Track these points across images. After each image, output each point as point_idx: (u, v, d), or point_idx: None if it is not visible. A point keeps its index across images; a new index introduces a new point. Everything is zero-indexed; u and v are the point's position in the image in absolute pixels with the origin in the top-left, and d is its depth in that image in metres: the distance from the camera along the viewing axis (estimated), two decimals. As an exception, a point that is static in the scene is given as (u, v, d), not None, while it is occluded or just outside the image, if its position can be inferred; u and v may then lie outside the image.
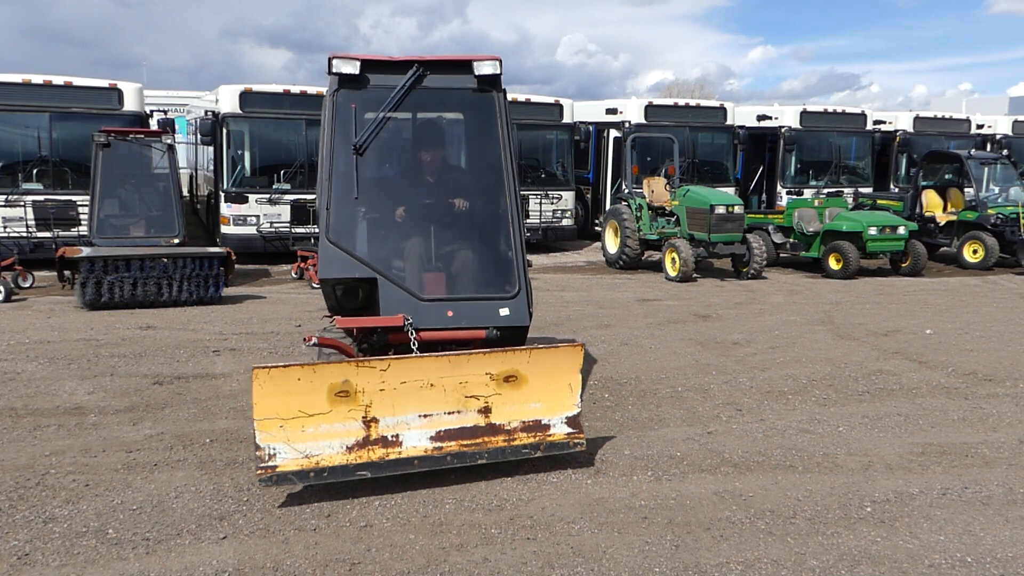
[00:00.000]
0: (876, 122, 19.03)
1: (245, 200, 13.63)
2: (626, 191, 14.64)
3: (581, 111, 17.66)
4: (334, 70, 5.42)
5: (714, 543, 4.08)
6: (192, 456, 5.10)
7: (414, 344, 5.02)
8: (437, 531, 4.11)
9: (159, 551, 3.89)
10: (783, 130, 17.63)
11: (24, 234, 12.39)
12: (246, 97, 13.58)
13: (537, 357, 4.72)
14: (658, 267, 13.79)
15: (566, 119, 16.72)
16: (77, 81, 12.92)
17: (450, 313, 5.25)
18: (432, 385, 4.55)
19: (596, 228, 17.39)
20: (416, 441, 4.54)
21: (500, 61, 5.55)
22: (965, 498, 4.70)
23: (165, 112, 15.01)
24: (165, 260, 9.93)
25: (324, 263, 5.27)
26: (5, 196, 12.41)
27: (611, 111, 17.55)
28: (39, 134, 12.76)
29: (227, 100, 13.55)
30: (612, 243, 14.64)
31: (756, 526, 4.28)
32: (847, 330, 9.38)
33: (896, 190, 18.50)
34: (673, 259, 12.97)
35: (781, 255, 14.85)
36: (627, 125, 16.58)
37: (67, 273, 10.28)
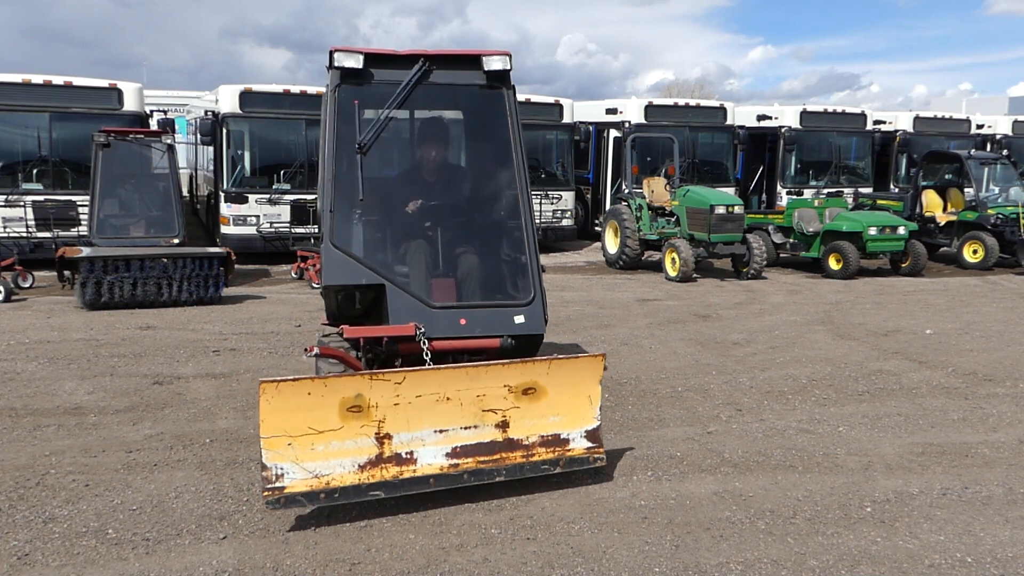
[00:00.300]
0: (876, 122, 19.03)
1: (245, 200, 13.63)
2: (626, 191, 14.64)
3: (581, 111, 17.67)
4: (336, 64, 5.11)
5: (714, 543, 4.08)
6: (192, 456, 5.10)
7: (427, 354, 4.72)
8: (437, 531, 4.11)
9: (159, 551, 3.89)
10: (783, 130, 17.62)
11: (24, 234, 12.39)
12: (246, 97, 13.58)
13: (557, 368, 4.52)
14: (658, 267, 13.79)
15: (566, 119, 16.73)
16: (77, 81, 12.92)
17: (463, 321, 4.96)
18: (448, 399, 4.33)
19: (596, 228, 17.39)
20: (431, 458, 4.33)
21: (510, 56, 5.32)
22: (965, 498, 4.70)
23: (165, 112, 15.03)
24: (165, 260, 9.93)
25: (328, 269, 4.96)
26: (5, 196, 12.41)
27: (611, 111, 17.55)
28: (39, 134, 12.76)
29: (227, 100, 13.55)
30: (612, 243, 14.64)
31: (756, 526, 4.27)
32: (847, 330, 9.38)
33: (896, 190, 18.49)
34: (673, 259, 12.97)
35: (781, 255, 14.85)
36: (627, 125, 16.58)
37: (67, 273, 10.28)
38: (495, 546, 4.00)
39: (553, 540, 4.07)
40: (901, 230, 13.72)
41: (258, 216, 13.68)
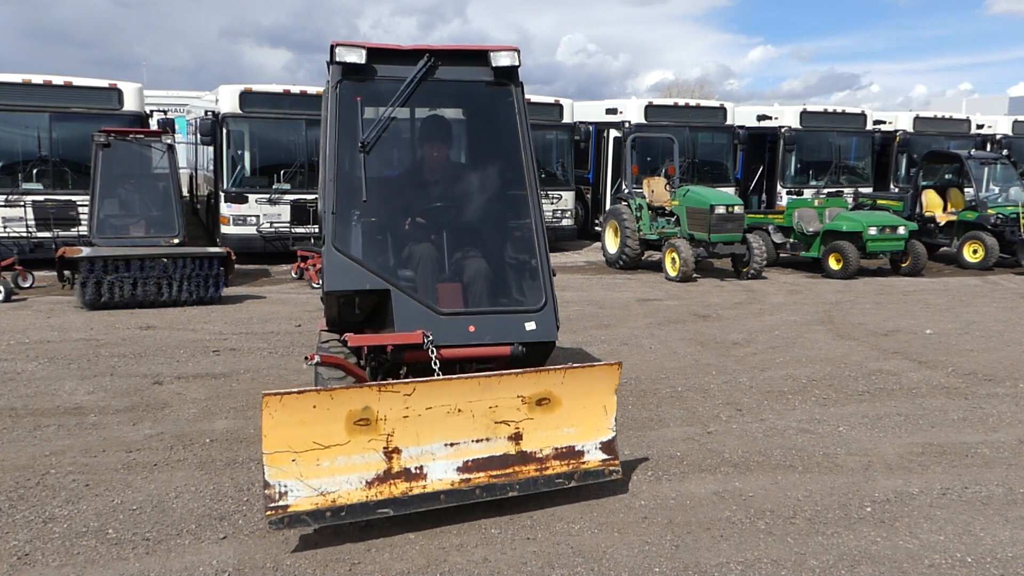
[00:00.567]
0: (876, 122, 19.03)
1: (245, 200, 13.62)
2: (626, 191, 14.64)
3: (581, 111, 17.66)
4: (337, 59, 4.85)
5: (714, 543, 4.08)
6: (192, 456, 5.10)
7: (435, 363, 4.49)
8: (437, 531, 4.11)
9: (159, 551, 3.89)
10: (783, 130, 17.62)
11: (24, 234, 12.39)
12: (246, 97, 13.58)
13: (571, 377, 4.35)
14: (658, 267, 13.78)
15: (566, 119, 16.73)
16: (77, 81, 12.92)
17: (472, 328, 4.72)
18: (460, 411, 4.15)
19: (596, 228, 17.39)
20: (442, 473, 4.16)
21: (518, 52, 5.09)
22: (965, 498, 4.70)
23: (165, 112, 15.01)
24: (165, 260, 9.93)
25: (331, 274, 4.71)
26: (5, 196, 12.41)
27: (611, 111, 17.55)
28: (39, 134, 12.76)
29: (227, 100, 13.55)
30: (612, 243, 14.64)
31: (756, 526, 4.27)
32: (847, 330, 9.38)
33: (896, 190, 18.49)
34: (673, 259, 12.97)
35: (781, 255, 14.85)
36: (627, 125, 16.58)
37: (67, 273, 10.27)
38: (495, 546, 4.00)
39: (553, 540, 4.07)
40: (901, 230, 13.72)
41: (258, 216, 13.68)
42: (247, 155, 14.01)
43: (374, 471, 4.04)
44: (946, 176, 17.35)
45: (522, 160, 5.18)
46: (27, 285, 11.16)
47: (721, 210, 12.87)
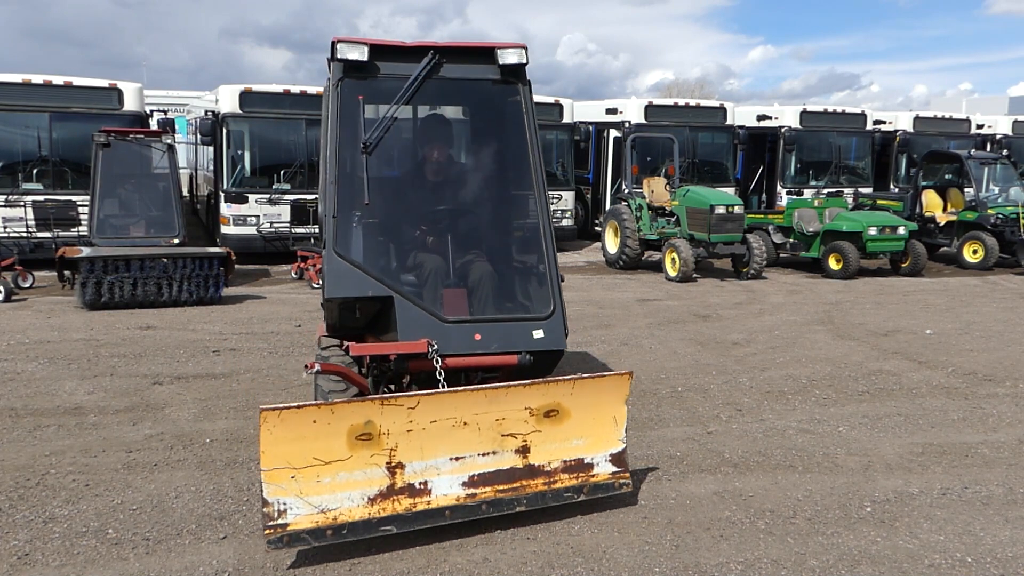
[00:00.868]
0: (876, 122, 19.03)
1: (245, 200, 13.62)
2: (626, 191, 14.64)
3: (581, 111, 17.66)
4: (339, 56, 4.67)
5: (714, 543, 4.08)
6: (192, 456, 5.10)
7: (440, 373, 4.36)
8: (437, 531, 4.11)
9: (159, 551, 3.89)
10: (783, 130, 17.62)
11: (24, 234, 12.39)
12: (246, 97, 13.58)
13: (581, 388, 4.23)
14: (658, 267, 13.78)
15: (566, 119, 16.72)
16: (77, 81, 12.92)
17: (478, 336, 4.56)
18: (465, 423, 4.03)
19: (596, 228, 17.38)
20: (447, 488, 4.04)
21: (526, 49, 4.92)
22: (965, 498, 4.70)
23: (165, 112, 15.03)
24: (165, 260, 9.93)
25: (332, 280, 4.54)
26: (5, 196, 12.41)
27: (611, 111, 17.55)
28: (39, 134, 12.76)
29: (227, 100, 13.55)
30: (612, 243, 14.64)
31: (756, 526, 4.27)
32: (847, 330, 9.38)
33: (896, 190, 18.49)
34: (673, 259, 12.97)
35: (781, 255, 14.85)
36: (627, 125, 16.58)
37: (67, 273, 10.28)
38: (495, 546, 4.00)
39: (553, 540, 4.07)
40: (901, 230, 13.72)
41: (258, 216, 13.68)
42: (247, 155, 14.01)
43: (376, 487, 3.92)
44: (946, 176, 17.34)
45: (530, 161, 5.01)
46: (27, 285, 11.16)
47: (721, 210, 12.87)
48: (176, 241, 10.71)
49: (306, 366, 4.35)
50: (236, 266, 10.90)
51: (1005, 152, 16.92)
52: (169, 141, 11.26)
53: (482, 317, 4.71)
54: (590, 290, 12.09)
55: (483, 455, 4.12)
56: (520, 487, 4.18)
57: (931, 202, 15.97)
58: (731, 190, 16.72)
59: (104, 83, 13.09)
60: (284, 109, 13.79)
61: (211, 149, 14.28)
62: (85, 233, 11.03)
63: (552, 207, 17.09)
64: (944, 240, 15.59)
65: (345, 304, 4.66)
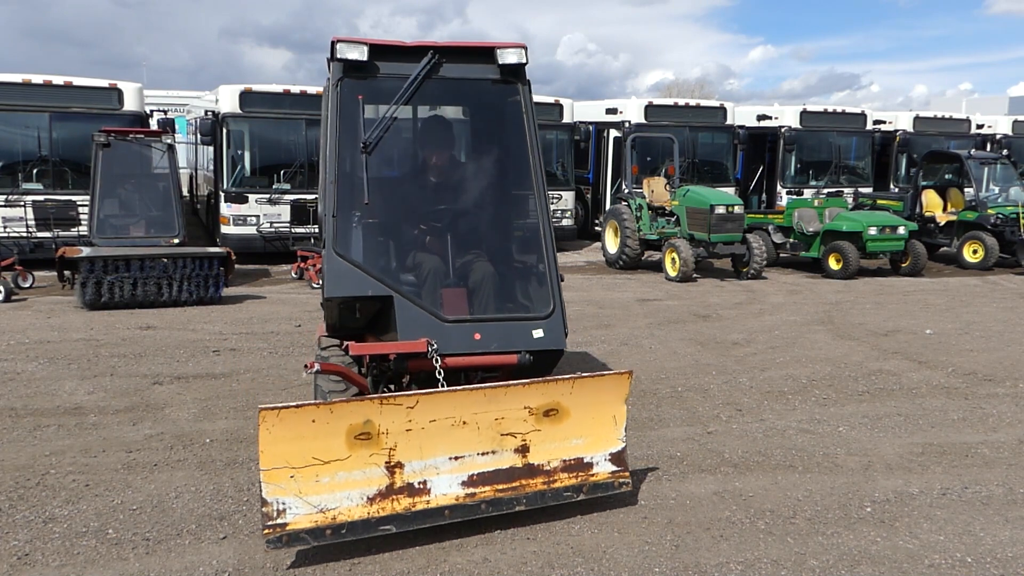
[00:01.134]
0: (876, 122, 19.03)
1: (245, 200, 13.62)
2: (626, 191, 14.64)
3: (581, 111, 17.66)
4: (338, 56, 4.68)
5: (714, 543, 4.08)
6: (192, 456, 5.10)
7: (440, 373, 4.37)
8: (437, 531, 4.11)
9: (159, 551, 3.89)
10: (783, 130, 17.62)
11: (24, 234, 12.39)
12: (246, 97, 13.58)
13: (580, 388, 4.24)
14: (658, 267, 13.78)
15: (566, 119, 16.73)
16: (77, 81, 12.92)
17: (477, 336, 4.57)
18: (465, 423, 4.04)
19: (596, 228, 17.38)
20: (446, 488, 4.05)
21: (526, 49, 4.93)
22: (965, 498, 4.70)
23: (165, 112, 15.03)
24: (165, 260, 9.94)
25: (331, 279, 4.55)
26: (5, 196, 12.42)
27: (611, 111, 17.55)
28: (39, 134, 12.76)
29: (227, 100, 13.55)
30: (612, 243, 14.64)
31: (756, 526, 4.28)
32: (847, 330, 9.38)
33: (896, 190, 18.49)
34: (673, 259, 12.97)
35: (781, 255, 14.85)
36: (627, 125, 16.57)
37: (67, 273, 10.28)
38: (495, 546, 4.00)
39: (553, 540, 4.07)
40: (901, 230, 13.72)
41: (258, 216, 13.68)
42: (247, 155, 14.01)
43: (376, 487, 3.92)
44: (946, 176, 17.34)
45: (529, 161, 5.02)
46: (27, 285, 11.16)
47: (721, 210, 12.87)
48: (176, 241, 10.71)
49: (306, 366, 4.35)
50: (236, 266, 10.90)
51: (1005, 152, 16.92)
52: (169, 141, 11.26)
53: (482, 317, 4.73)
54: (590, 290, 12.09)
55: (482, 454, 4.13)
56: (519, 486, 4.19)
57: (931, 202, 15.97)
58: (731, 190, 16.72)
59: (104, 83, 13.09)
60: (284, 109, 13.79)
61: (211, 149, 14.28)
62: (85, 233, 11.03)
63: (552, 207, 17.17)
64: (944, 240, 15.59)
65: (345, 304, 4.67)
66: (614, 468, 4.42)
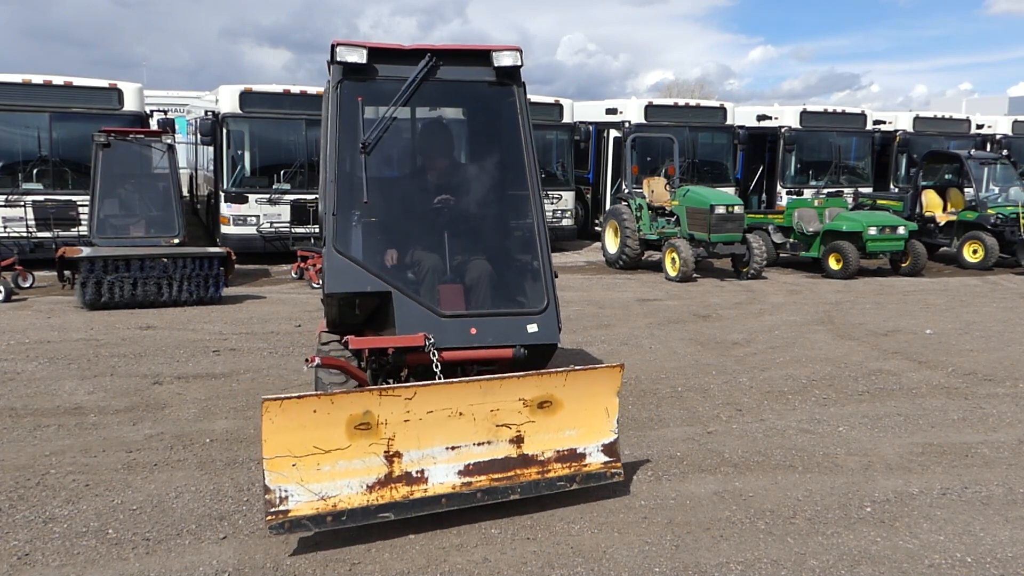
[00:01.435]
0: (876, 122, 19.03)
1: (245, 200, 13.62)
2: (626, 191, 14.64)
3: (581, 111, 17.66)
4: (338, 58, 4.82)
5: (714, 543, 4.08)
6: (192, 456, 5.10)
7: (437, 366, 4.51)
8: (437, 531, 4.11)
9: (159, 551, 3.89)
10: (783, 130, 17.62)
11: (24, 234, 12.39)
12: (246, 97, 13.58)
13: (573, 380, 4.36)
14: (658, 267, 13.79)
15: (566, 119, 16.73)
16: (77, 81, 12.92)
17: (473, 331, 4.72)
18: (461, 414, 4.15)
19: (596, 228, 17.39)
20: (443, 477, 4.16)
21: (521, 52, 5.06)
22: (965, 498, 4.70)
23: (165, 112, 15.00)
24: (165, 260, 9.94)
25: (332, 276, 4.70)
26: (5, 196, 12.42)
27: (611, 111, 17.55)
28: (39, 134, 12.76)
29: (227, 100, 13.55)
30: (612, 243, 14.64)
31: (756, 526, 4.28)
32: (847, 330, 9.38)
33: (896, 190, 18.49)
34: (673, 259, 12.97)
35: (781, 255, 14.85)
36: (627, 125, 16.58)
37: (67, 273, 10.28)
38: (495, 546, 4.00)
39: (553, 540, 4.07)
40: (901, 230, 13.72)
41: (258, 216, 13.68)
42: (247, 155, 14.01)
43: (375, 475, 4.03)
44: (946, 176, 17.35)
45: (524, 161, 5.16)
46: (27, 285, 11.16)
47: (721, 210, 12.88)
48: (176, 241, 10.72)
49: (307, 359, 4.48)
50: (236, 266, 10.90)
51: (1005, 152, 16.93)
52: (169, 141, 11.26)
53: (478, 312, 4.87)
54: (590, 290, 12.09)
55: (478, 445, 4.24)
56: (514, 476, 4.30)
57: (931, 202, 15.98)
58: (731, 190, 16.72)
59: (104, 83, 13.09)
60: (284, 109, 13.80)
61: (211, 149, 14.28)
62: (85, 233, 11.04)
63: (552, 207, 17.22)
64: (944, 240, 15.59)
65: (345, 299, 4.81)
66: (606, 459, 4.52)
